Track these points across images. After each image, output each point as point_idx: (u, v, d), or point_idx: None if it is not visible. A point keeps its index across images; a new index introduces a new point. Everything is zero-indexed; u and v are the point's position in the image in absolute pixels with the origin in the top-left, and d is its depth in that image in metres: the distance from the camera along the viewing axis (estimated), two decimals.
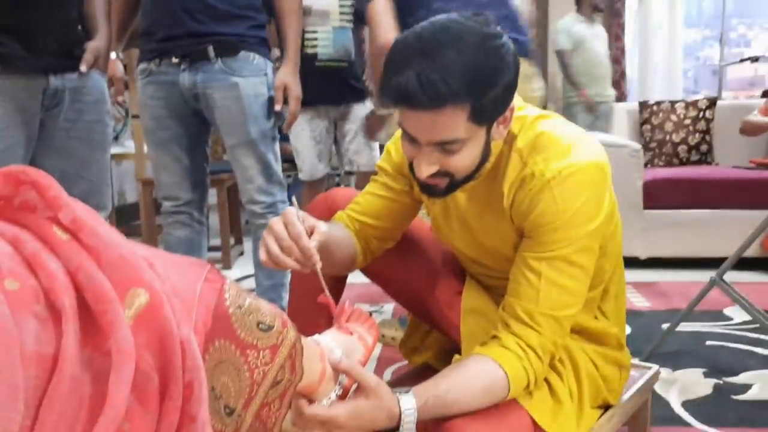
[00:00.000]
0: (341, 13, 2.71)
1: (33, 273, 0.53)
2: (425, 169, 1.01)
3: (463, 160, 1.00)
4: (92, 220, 0.59)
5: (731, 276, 2.82)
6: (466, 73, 0.91)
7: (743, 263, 3.08)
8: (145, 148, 2.18)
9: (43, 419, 0.48)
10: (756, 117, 3.29)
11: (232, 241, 3.66)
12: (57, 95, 1.52)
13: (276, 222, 0.99)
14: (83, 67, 1.53)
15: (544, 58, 5.12)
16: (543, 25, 5.17)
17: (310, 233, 1.00)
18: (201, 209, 2.02)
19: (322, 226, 1.02)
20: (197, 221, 2.01)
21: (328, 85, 2.65)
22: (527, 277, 1.03)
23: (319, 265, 0.99)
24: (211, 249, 3.40)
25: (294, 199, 1.06)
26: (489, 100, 0.94)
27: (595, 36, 4.47)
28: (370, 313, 2.48)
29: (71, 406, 0.50)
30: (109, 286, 0.54)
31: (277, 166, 1.92)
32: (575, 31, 4.39)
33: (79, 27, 1.57)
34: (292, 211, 1.00)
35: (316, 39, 2.74)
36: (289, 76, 1.88)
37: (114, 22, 1.92)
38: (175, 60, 1.83)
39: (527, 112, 1.11)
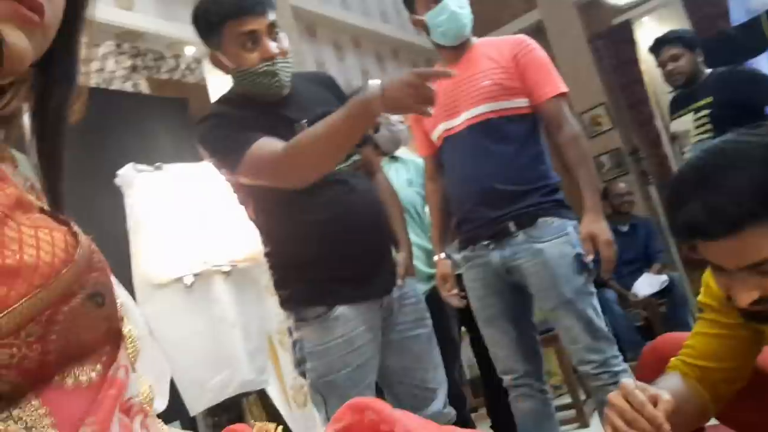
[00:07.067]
0: None
1: None
2: (745, 297, 0.93)
3: None
4: (424, 430, 0.69)
5: None
6: (757, 190, 0.86)
7: None
8: None
9: None
10: None
11: (583, 395, 3.53)
12: (389, 307, 1.76)
13: (615, 396, 1.00)
14: (399, 282, 1.77)
15: None
16: None
17: (654, 402, 0.97)
18: (540, 378, 2.05)
19: (665, 394, 0.99)
20: (538, 390, 2.03)
21: None
22: None
23: None
24: (563, 408, 3.33)
25: (628, 368, 1.07)
26: None
27: None
28: None
29: None
30: None
31: (600, 322, 1.90)
32: None
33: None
34: (629, 382, 0.99)
35: None
36: (592, 224, 1.90)
37: (437, 228, 2.22)
38: (484, 242, 2.00)
39: None
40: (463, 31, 2.02)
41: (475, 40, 2.09)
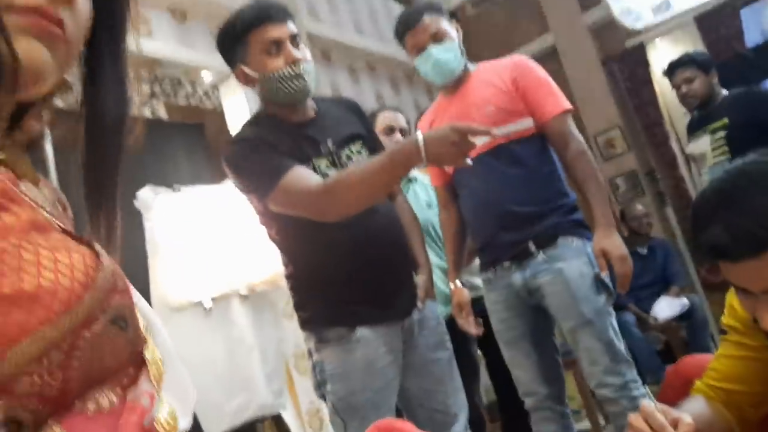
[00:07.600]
0: None
1: None
2: None
3: None
4: None
5: None
6: None
7: None
8: None
9: None
10: None
11: (602, 420, 3.48)
12: (410, 329, 1.75)
13: (635, 418, 0.99)
14: (420, 304, 1.77)
15: None
16: None
17: (674, 425, 0.96)
18: (562, 401, 2.02)
19: (686, 417, 0.98)
20: (560, 414, 2.00)
21: None
22: None
23: None
24: None
25: (647, 390, 1.06)
26: None
27: None
28: None
29: None
30: None
31: (620, 344, 1.87)
32: None
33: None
34: (650, 404, 0.98)
35: None
36: (604, 240, 1.87)
37: (452, 256, 2.20)
38: (506, 264, 2.00)
39: None
40: (451, 75, 2.03)
41: (472, 67, 2.09)
